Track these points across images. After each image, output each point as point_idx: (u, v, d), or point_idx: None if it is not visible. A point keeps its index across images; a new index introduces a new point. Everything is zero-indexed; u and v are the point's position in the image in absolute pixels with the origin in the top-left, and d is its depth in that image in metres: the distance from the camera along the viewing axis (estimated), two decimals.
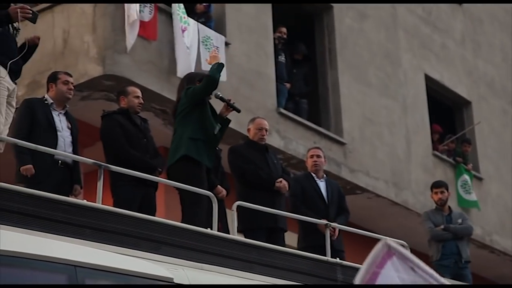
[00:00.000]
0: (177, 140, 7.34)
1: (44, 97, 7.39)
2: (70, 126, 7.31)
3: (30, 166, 6.87)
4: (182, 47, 10.17)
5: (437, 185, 10.02)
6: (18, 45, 6.18)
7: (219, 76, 7.44)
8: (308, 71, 12.77)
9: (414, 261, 4.14)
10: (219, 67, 7.40)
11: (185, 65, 10.08)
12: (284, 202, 8.37)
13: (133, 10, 9.83)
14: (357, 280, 4.11)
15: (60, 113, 7.33)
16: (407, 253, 4.19)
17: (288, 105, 12.27)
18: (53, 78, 7.43)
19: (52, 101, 7.30)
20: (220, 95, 7.64)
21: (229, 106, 7.60)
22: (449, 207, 9.94)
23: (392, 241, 4.24)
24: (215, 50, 7.71)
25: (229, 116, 7.71)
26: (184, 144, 7.23)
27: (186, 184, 6.92)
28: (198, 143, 7.26)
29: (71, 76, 7.52)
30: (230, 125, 7.86)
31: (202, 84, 7.40)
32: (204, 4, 11.11)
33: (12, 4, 6.24)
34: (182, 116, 7.38)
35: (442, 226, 9.66)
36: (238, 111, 7.68)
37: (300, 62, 12.69)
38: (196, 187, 6.92)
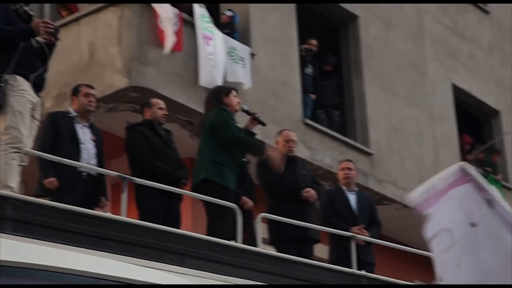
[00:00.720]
0: (201, 160, 7.30)
1: (68, 110, 7.44)
2: (94, 138, 7.34)
3: (54, 179, 6.90)
4: (204, 55, 10.17)
5: None
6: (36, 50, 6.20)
7: (244, 149, 7.37)
8: (339, 82, 12.75)
9: (492, 194, 3.68)
10: (260, 145, 7.38)
11: (207, 74, 10.08)
12: (313, 212, 8.34)
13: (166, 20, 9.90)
14: (415, 195, 3.77)
15: (85, 125, 7.37)
16: (486, 184, 3.79)
17: (319, 115, 12.25)
18: (75, 91, 7.50)
19: (75, 114, 7.35)
20: (246, 109, 7.64)
21: (255, 119, 7.60)
22: None
23: (471, 167, 3.83)
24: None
25: (255, 130, 7.70)
26: (206, 167, 7.18)
27: (211, 205, 6.90)
28: (221, 167, 7.19)
29: (93, 88, 7.55)
30: (256, 136, 7.85)
31: (233, 138, 7.25)
32: (229, 15, 11.12)
33: (34, 19, 6.28)
34: (207, 135, 7.33)
35: None
36: (264, 124, 7.67)
37: (330, 73, 12.65)
38: (221, 207, 6.87)
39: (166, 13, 9.95)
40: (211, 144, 7.26)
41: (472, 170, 3.73)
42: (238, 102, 7.57)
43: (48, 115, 7.38)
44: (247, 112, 7.62)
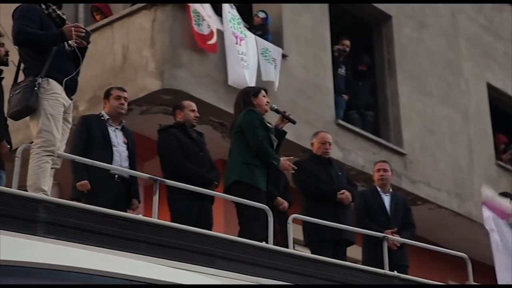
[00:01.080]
0: (231, 162, 7.31)
1: (100, 113, 7.52)
2: (126, 141, 7.41)
3: (86, 181, 7.00)
4: (233, 54, 10.19)
5: (506, 195, 9.84)
6: (69, 53, 6.29)
7: (266, 159, 7.29)
8: (373, 82, 12.72)
9: None
10: (275, 161, 7.25)
11: (236, 73, 10.11)
12: (349, 214, 8.35)
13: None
14: (487, 193, 3.89)
15: (117, 128, 7.46)
16: None
17: (352, 115, 12.24)
18: (106, 94, 7.61)
19: (108, 117, 7.45)
20: (276, 108, 7.65)
21: (285, 117, 7.59)
22: None
23: None
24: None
25: (286, 129, 7.71)
26: (237, 169, 7.19)
27: (243, 205, 6.91)
28: (252, 168, 7.17)
29: (124, 91, 7.63)
30: (288, 137, 7.87)
31: (257, 142, 7.20)
32: (262, 16, 11.15)
33: (67, 22, 6.36)
34: (237, 137, 7.34)
35: None
36: (294, 122, 7.67)
37: (365, 73, 12.62)
38: (253, 207, 6.86)
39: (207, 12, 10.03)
40: (241, 146, 7.27)
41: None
42: (268, 102, 7.57)
43: (80, 118, 7.49)
44: (277, 111, 7.63)
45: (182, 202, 7.36)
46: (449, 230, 13.14)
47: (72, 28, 6.12)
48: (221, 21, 10.30)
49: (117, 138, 7.36)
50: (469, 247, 13.11)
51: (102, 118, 7.44)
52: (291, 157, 7.48)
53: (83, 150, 7.09)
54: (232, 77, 10.10)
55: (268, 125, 7.44)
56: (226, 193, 7.26)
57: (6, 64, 6.77)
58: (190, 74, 9.99)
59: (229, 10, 10.41)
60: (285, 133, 7.62)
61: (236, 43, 10.30)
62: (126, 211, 7.07)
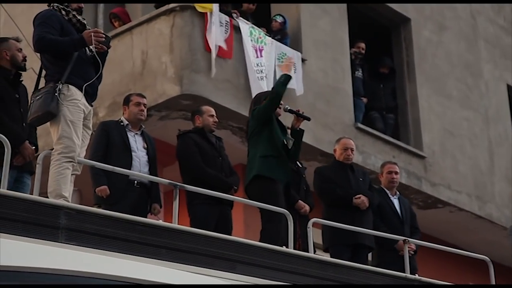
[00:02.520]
0: (251, 160, 7.39)
1: (120, 119, 7.58)
2: (146, 146, 7.45)
3: (105, 187, 7.04)
4: (251, 69, 10.24)
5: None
6: (89, 59, 6.34)
7: (284, 89, 7.40)
8: (394, 85, 12.71)
9: None
10: (285, 80, 7.37)
11: (256, 86, 10.15)
12: (368, 219, 8.30)
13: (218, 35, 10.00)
14: None
15: (136, 134, 7.50)
16: None
17: (373, 115, 12.23)
18: (126, 100, 7.65)
19: (127, 123, 7.50)
20: (289, 108, 7.67)
21: (299, 116, 7.61)
22: None
23: None
24: (291, 59, 7.70)
25: (305, 131, 7.73)
26: (256, 164, 7.27)
27: (262, 202, 6.95)
28: (269, 159, 7.25)
29: (144, 97, 7.67)
30: (308, 141, 7.88)
31: (267, 100, 7.41)
32: (280, 21, 11.18)
33: (88, 28, 6.40)
34: (253, 137, 7.43)
35: None
36: (308, 119, 7.69)
37: (387, 76, 12.61)
38: (272, 203, 6.92)
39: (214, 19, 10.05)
40: (258, 141, 7.36)
41: None
42: (281, 104, 7.58)
43: (100, 124, 7.54)
44: (291, 111, 7.64)
45: (201, 207, 7.39)
46: (470, 232, 13.09)
47: (92, 34, 6.15)
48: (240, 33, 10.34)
49: (136, 143, 7.40)
50: (490, 249, 13.07)
51: (122, 124, 7.49)
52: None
53: (102, 156, 7.14)
54: (254, 88, 10.13)
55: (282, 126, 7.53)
56: (247, 189, 7.32)
57: (24, 69, 6.83)
58: (209, 80, 10.02)
59: (245, 26, 10.44)
60: (303, 131, 7.63)
61: (257, 57, 10.34)
62: (146, 217, 7.10)
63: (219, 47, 10.07)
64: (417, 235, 8.55)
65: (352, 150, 8.46)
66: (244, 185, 7.39)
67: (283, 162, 7.38)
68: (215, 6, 10.13)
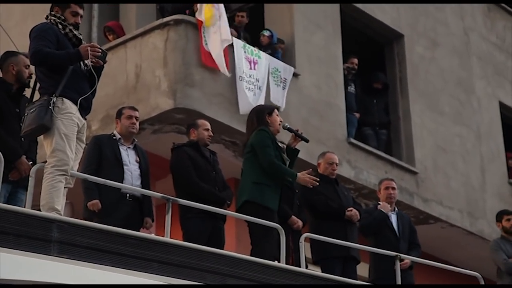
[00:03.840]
0: (242, 183, 7.25)
1: (112, 133, 7.60)
2: (138, 160, 7.46)
3: (97, 201, 7.06)
4: (240, 84, 10.25)
5: (510, 212, 9.81)
6: (84, 73, 6.36)
7: (282, 178, 7.28)
8: (387, 101, 12.75)
9: None
10: (292, 178, 7.24)
11: (247, 102, 10.15)
12: (356, 232, 8.38)
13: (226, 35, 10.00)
14: None
15: (129, 147, 7.52)
16: None
17: (366, 131, 12.26)
18: (118, 114, 7.69)
19: (119, 136, 7.52)
20: (288, 126, 7.63)
21: (297, 136, 7.54)
22: None
23: None
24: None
25: (298, 147, 7.72)
26: (248, 189, 7.13)
27: (255, 228, 6.92)
28: (262, 187, 7.10)
29: (136, 110, 7.69)
30: (301, 156, 7.88)
31: (269, 161, 7.13)
32: (267, 35, 11.21)
33: (84, 42, 6.42)
34: (248, 157, 7.28)
35: None
36: (307, 141, 7.63)
37: (380, 91, 12.65)
38: (261, 229, 6.87)
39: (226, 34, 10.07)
40: (252, 165, 7.22)
41: None
42: (281, 121, 7.56)
43: (92, 138, 7.55)
44: (290, 130, 7.59)
45: (194, 221, 7.39)
46: (462, 248, 13.11)
47: (88, 48, 6.17)
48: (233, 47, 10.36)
49: (128, 157, 7.42)
50: (482, 265, 13.05)
51: (114, 137, 7.51)
52: (310, 170, 7.47)
53: (94, 170, 7.15)
54: (243, 107, 10.11)
55: (280, 144, 7.43)
56: (239, 212, 7.25)
57: (28, 86, 6.81)
58: (203, 93, 10.05)
59: (238, 42, 10.47)
60: (298, 151, 7.60)
61: (250, 69, 10.36)
62: (139, 230, 7.10)
63: (215, 60, 10.08)
64: (417, 251, 8.58)
65: (336, 164, 8.49)
66: (236, 206, 7.25)
67: (277, 191, 7.24)
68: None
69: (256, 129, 7.32)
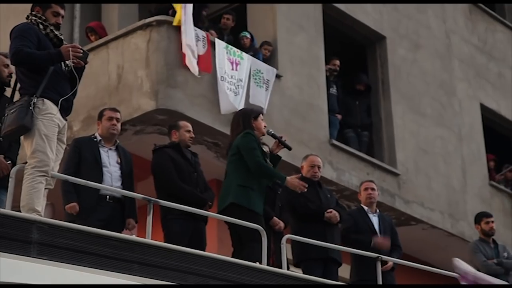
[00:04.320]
0: (227, 185, 7.20)
1: (94, 135, 7.58)
2: (119, 161, 7.43)
3: (74, 204, 7.03)
4: (221, 84, 10.24)
5: (489, 215, 9.85)
6: (65, 74, 6.32)
7: (265, 178, 7.26)
8: (370, 102, 12.78)
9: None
10: (281, 180, 7.22)
11: (228, 102, 10.15)
12: (338, 234, 8.38)
13: (190, 41, 9.95)
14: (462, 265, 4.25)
15: (110, 149, 7.49)
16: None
17: (348, 134, 12.29)
18: (99, 115, 7.66)
19: (100, 138, 7.51)
20: (272, 132, 7.63)
21: (280, 143, 7.53)
22: (493, 239, 9.76)
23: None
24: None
25: (280, 153, 7.72)
26: (233, 191, 7.10)
27: (237, 229, 6.89)
28: (247, 190, 7.08)
29: (117, 111, 7.66)
30: (282, 157, 7.88)
31: (256, 163, 7.11)
32: (249, 37, 11.21)
33: (65, 43, 6.39)
34: (233, 159, 7.24)
35: (495, 260, 9.44)
36: (289, 148, 7.60)
37: (362, 93, 12.68)
38: (247, 232, 6.85)
39: (190, 37, 10.03)
40: (237, 168, 7.19)
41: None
42: (265, 126, 7.56)
43: (72, 141, 7.50)
44: (274, 136, 7.59)
45: (175, 223, 7.38)
46: (442, 250, 13.15)
47: (70, 48, 6.15)
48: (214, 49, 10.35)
49: (109, 158, 7.39)
50: None
51: (95, 139, 7.48)
52: (299, 175, 7.47)
53: (73, 172, 7.12)
54: (224, 107, 10.12)
55: (264, 149, 7.42)
56: (224, 214, 7.15)
57: (8, 85, 6.78)
58: (185, 94, 10.03)
59: (220, 43, 10.46)
60: (280, 158, 7.59)
61: (232, 69, 10.36)
62: (120, 232, 7.09)
63: (199, 60, 10.05)
64: (398, 252, 8.59)
65: (319, 167, 8.51)
66: (219, 209, 7.21)
67: (261, 195, 7.23)
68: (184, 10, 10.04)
69: (242, 131, 7.31)
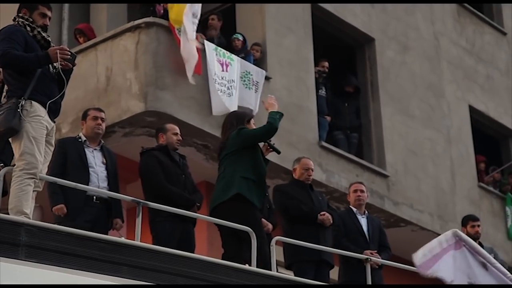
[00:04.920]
0: (228, 178, 7.11)
1: (78, 135, 7.56)
2: (105, 161, 7.39)
3: (62, 205, 7.02)
4: (213, 85, 10.24)
5: (475, 218, 9.86)
6: (53, 76, 6.30)
7: (278, 126, 7.31)
8: (359, 104, 12.79)
9: (486, 256, 4.04)
10: (280, 117, 7.31)
11: (220, 103, 10.14)
12: (330, 236, 8.38)
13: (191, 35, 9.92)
14: (417, 258, 4.14)
15: (95, 149, 7.44)
16: (478, 247, 4.13)
17: (337, 136, 12.30)
18: (83, 115, 7.62)
19: (85, 139, 7.46)
20: None
21: (270, 147, 7.50)
22: (480, 242, 9.77)
23: (462, 234, 4.33)
24: (272, 98, 7.68)
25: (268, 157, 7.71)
26: (237, 183, 7.03)
27: (240, 223, 6.82)
28: (249, 183, 7.06)
29: (101, 111, 7.63)
30: (271, 159, 7.87)
31: (262, 130, 7.22)
32: (241, 39, 11.21)
33: (53, 45, 6.37)
34: (232, 156, 7.19)
35: None
36: (278, 152, 7.56)
37: (351, 94, 12.70)
38: (251, 225, 6.82)
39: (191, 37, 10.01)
40: (238, 163, 7.11)
41: (464, 236, 4.11)
42: None
43: (57, 142, 7.22)
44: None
45: (164, 225, 7.37)
46: None
47: (58, 51, 6.13)
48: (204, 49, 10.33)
49: (95, 159, 7.35)
50: None
51: (80, 140, 7.45)
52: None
53: (60, 173, 7.07)
54: (216, 108, 10.12)
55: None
56: (221, 207, 7.04)
57: None
58: (174, 96, 10.02)
59: (210, 45, 10.45)
60: (269, 161, 7.53)
61: (222, 71, 10.35)
62: (107, 232, 7.07)
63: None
64: (387, 253, 8.61)
65: (312, 170, 8.52)
66: (216, 202, 7.11)
67: (261, 188, 7.23)
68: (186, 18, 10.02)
69: (236, 129, 7.28)
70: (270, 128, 7.23)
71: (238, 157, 7.15)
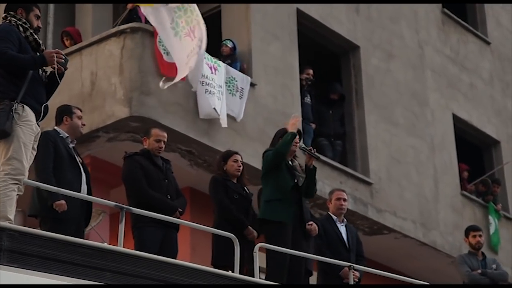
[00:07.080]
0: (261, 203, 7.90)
1: (57, 130, 7.20)
2: (81, 160, 7.24)
3: (64, 202, 6.74)
4: (200, 88, 10.23)
5: (476, 228, 9.93)
6: (42, 79, 6.26)
7: (288, 148, 7.84)
8: (343, 112, 12.83)
9: None
10: (291, 138, 7.79)
11: (207, 106, 10.16)
12: (312, 245, 8.38)
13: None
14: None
15: (74, 147, 7.21)
16: None
17: (321, 142, 12.32)
18: (68, 111, 7.28)
19: (67, 135, 7.16)
20: (303, 146, 8.07)
21: (310, 155, 7.91)
22: (482, 253, 9.82)
23: None
24: (295, 117, 8.15)
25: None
26: (261, 209, 7.81)
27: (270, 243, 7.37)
28: (272, 203, 7.68)
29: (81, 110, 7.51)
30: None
31: (271, 155, 7.83)
32: (230, 46, 11.21)
33: (43, 47, 6.31)
34: (263, 177, 7.88)
35: (479, 271, 9.49)
36: (317, 158, 8.06)
37: (336, 102, 12.73)
38: (279, 243, 7.36)
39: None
40: (265, 186, 7.87)
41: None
42: (296, 143, 7.96)
43: (44, 134, 6.89)
44: (304, 149, 8.02)
45: (145, 230, 7.35)
46: (414, 259, 13.22)
47: (54, 54, 6.09)
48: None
49: (77, 157, 7.19)
50: (434, 276, 13.23)
51: (61, 135, 7.13)
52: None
53: (53, 167, 6.89)
54: (203, 111, 10.13)
55: (295, 163, 7.99)
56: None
57: None
58: (159, 102, 10.02)
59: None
60: (315, 168, 8.03)
61: (212, 73, 10.34)
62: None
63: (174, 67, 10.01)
64: (362, 263, 8.59)
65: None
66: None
67: (289, 203, 7.74)
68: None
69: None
70: (277, 153, 7.82)
71: (267, 179, 7.84)
